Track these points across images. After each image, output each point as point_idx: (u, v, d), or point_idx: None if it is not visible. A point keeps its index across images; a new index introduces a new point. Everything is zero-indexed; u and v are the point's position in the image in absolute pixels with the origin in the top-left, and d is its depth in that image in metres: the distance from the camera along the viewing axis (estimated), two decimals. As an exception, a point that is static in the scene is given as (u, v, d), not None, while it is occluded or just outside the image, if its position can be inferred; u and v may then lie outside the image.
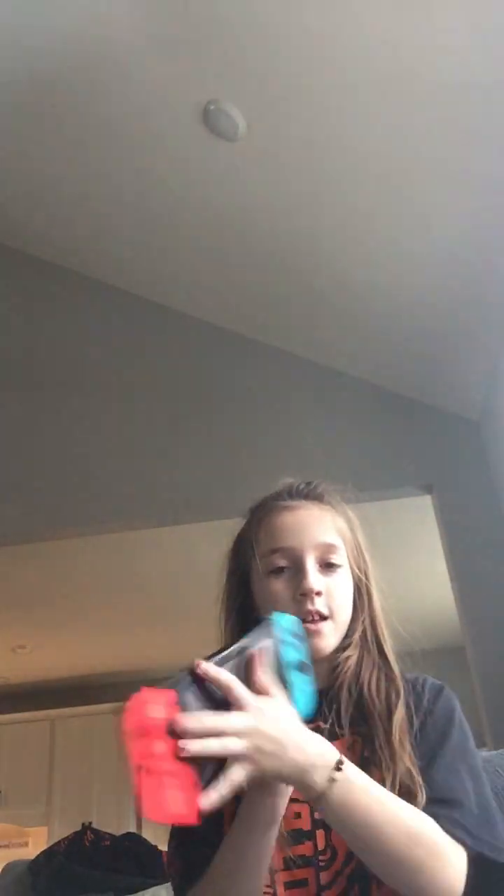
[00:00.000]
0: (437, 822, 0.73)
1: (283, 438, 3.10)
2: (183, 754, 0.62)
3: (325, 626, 0.87)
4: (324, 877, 0.79)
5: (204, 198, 2.74)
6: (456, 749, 0.84)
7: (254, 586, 0.93)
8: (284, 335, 3.22)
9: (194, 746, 0.62)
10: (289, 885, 0.79)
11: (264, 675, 0.70)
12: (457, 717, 0.88)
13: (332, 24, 1.99)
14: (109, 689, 5.57)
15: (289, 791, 0.73)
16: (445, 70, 1.97)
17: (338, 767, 0.68)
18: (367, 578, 0.94)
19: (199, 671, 0.66)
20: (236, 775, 0.65)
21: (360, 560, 0.95)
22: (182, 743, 0.62)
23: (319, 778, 0.68)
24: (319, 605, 0.87)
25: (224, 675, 0.67)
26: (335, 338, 3.10)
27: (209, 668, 0.66)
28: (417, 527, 3.42)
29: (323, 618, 0.87)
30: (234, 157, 2.51)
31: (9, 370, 3.39)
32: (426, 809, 0.75)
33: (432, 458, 3.04)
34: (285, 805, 0.74)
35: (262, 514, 0.96)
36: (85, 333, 3.43)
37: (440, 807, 0.76)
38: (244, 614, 0.94)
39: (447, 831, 0.73)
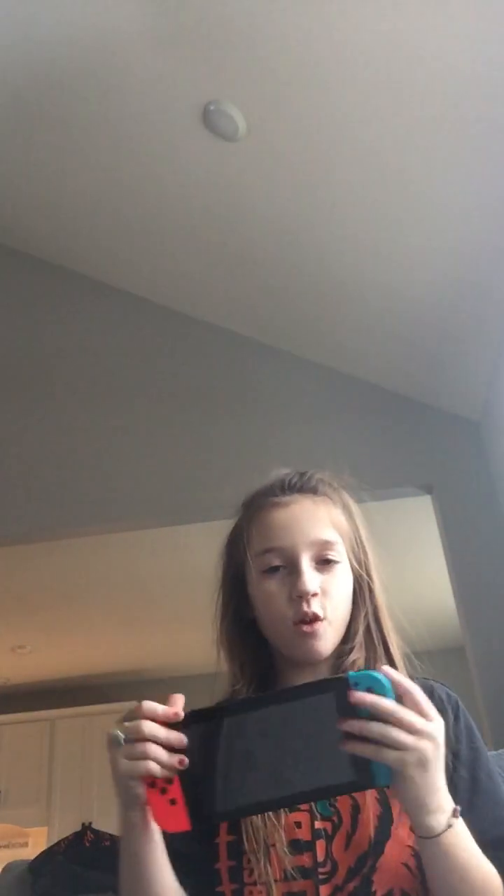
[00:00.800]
0: (500, 867, 0.72)
1: (283, 438, 3.10)
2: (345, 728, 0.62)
3: (321, 627, 0.83)
4: (323, 890, 0.75)
5: (204, 198, 2.74)
6: (489, 771, 0.83)
7: (249, 586, 0.89)
8: (285, 335, 3.22)
9: (358, 725, 0.62)
10: None
11: (427, 702, 0.68)
12: (476, 732, 0.87)
13: (332, 24, 1.99)
14: (109, 689, 5.57)
15: None
16: (446, 69, 1.97)
17: (455, 814, 0.67)
18: (367, 572, 0.90)
19: (382, 670, 0.65)
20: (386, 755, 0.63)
21: (360, 553, 0.90)
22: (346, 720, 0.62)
23: (440, 821, 0.66)
24: (315, 606, 0.83)
25: (406, 680, 0.66)
26: (336, 338, 3.10)
27: (389, 670, 0.65)
28: (417, 527, 3.42)
29: (318, 619, 0.83)
30: (234, 157, 2.51)
31: (9, 370, 3.39)
32: (484, 851, 0.73)
33: (432, 458, 3.04)
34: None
35: (253, 511, 0.91)
36: (84, 334, 3.43)
37: (498, 849, 0.74)
38: (240, 614, 0.91)
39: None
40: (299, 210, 2.60)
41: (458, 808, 0.67)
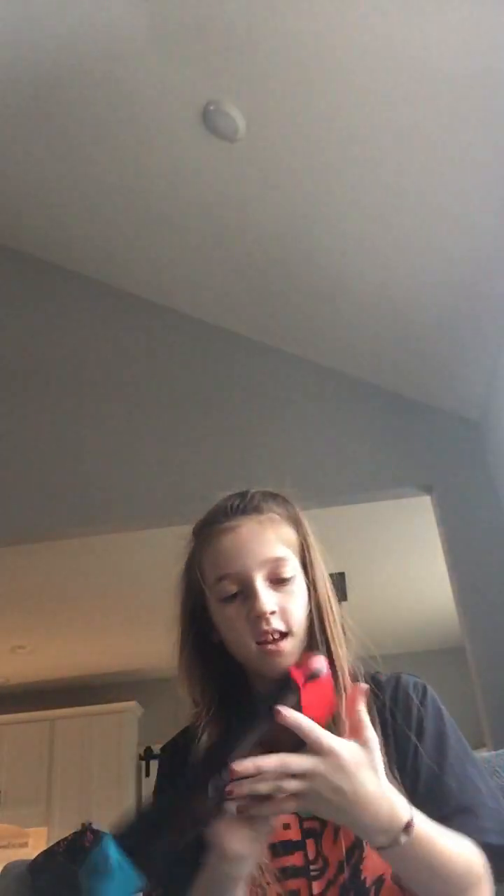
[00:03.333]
0: (467, 835, 0.74)
1: (283, 438, 3.11)
2: (232, 796, 0.64)
3: (285, 644, 0.84)
4: (316, 887, 0.78)
5: (203, 198, 2.74)
6: (457, 749, 0.84)
7: (211, 613, 0.90)
8: (284, 335, 3.22)
9: (241, 789, 0.64)
10: None
11: (363, 713, 0.69)
12: (445, 714, 0.88)
13: (332, 24, 1.99)
14: (109, 689, 5.58)
15: (248, 869, 0.73)
16: (446, 69, 1.97)
17: (406, 830, 0.67)
18: (313, 582, 0.90)
19: (279, 718, 0.66)
20: (286, 805, 0.66)
21: (308, 564, 0.91)
22: (230, 786, 0.64)
23: (384, 840, 0.68)
24: (276, 623, 0.84)
25: (303, 720, 0.66)
26: (335, 338, 3.10)
27: (287, 711, 0.66)
28: (417, 527, 3.42)
29: (283, 635, 0.84)
30: (233, 157, 2.51)
31: (9, 370, 3.39)
32: (452, 820, 0.75)
33: (432, 458, 3.04)
34: (245, 876, 0.73)
35: (201, 540, 0.92)
36: (84, 333, 3.43)
37: (465, 817, 0.78)
38: (202, 640, 0.92)
39: (479, 843, 0.75)
40: (298, 210, 2.60)
41: (412, 821, 0.68)
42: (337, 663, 0.86)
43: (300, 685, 0.66)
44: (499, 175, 2.14)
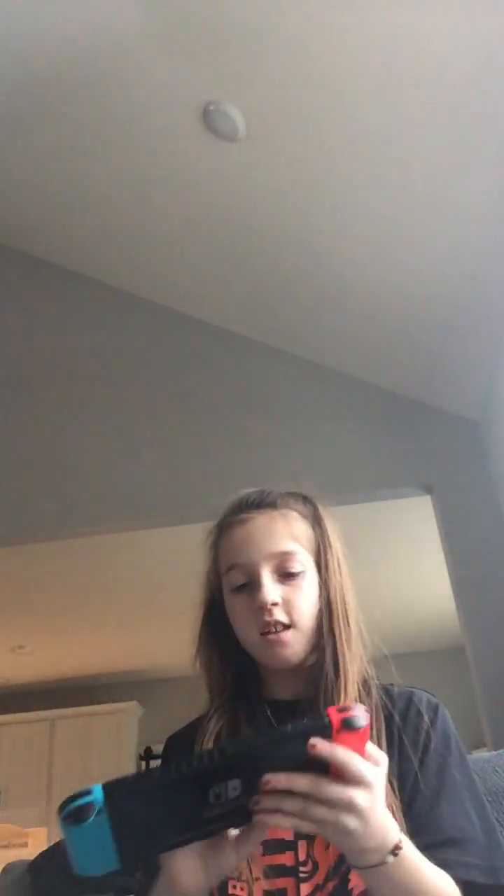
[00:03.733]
0: (451, 868, 0.72)
1: (283, 439, 3.11)
2: (257, 807, 0.61)
3: (286, 636, 0.85)
4: (304, 888, 0.78)
5: (204, 198, 2.74)
6: (458, 778, 0.83)
7: (226, 604, 0.92)
8: (285, 335, 3.22)
9: (269, 803, 0.61)
10: (267, 895, 0.78)
11: (371, 745, 0.66)
12: (453, 737, 0.86)
13: (332, 25, 1.99)
14: (109, 689, 5.58)
15: None
16: (446, 68, 1.97)
17: (394, 852, 0.66)
18: (326, 582, 0.91)
19: (312, 749, 0.61)
20: (290, 824, 0.63)
21: (322, 562, 0.92)
22: (259, 798, 0.60)
23: (370, 859, 0.65)
24: (278, 615, 0.85)
25: (340, 750, 0.62)
26: (335, 338, 3.11)
27: (321, 750, 0.61)
28: (417, 527, 3.42)
29: (285, 626, 0.85)
30: (233, 157, 2.51)
31: (9, 370, 3.39)
32: (438, 851, 0.74)
33: (432, 458, 3.04)
34: None
35: (219, 532, 0.95)
36: (84, 333, 3.43)
37: (452, 850, 0.76)
38: (217, 631, 0.94)
39: (461, 879, 0.73)
40: (299, 210, 2.60)
41: (400, 844, 0.66)
42: (342, 666, 0.87)
43: (334, 729, 0.61)
44: (499, 177, 2.14)
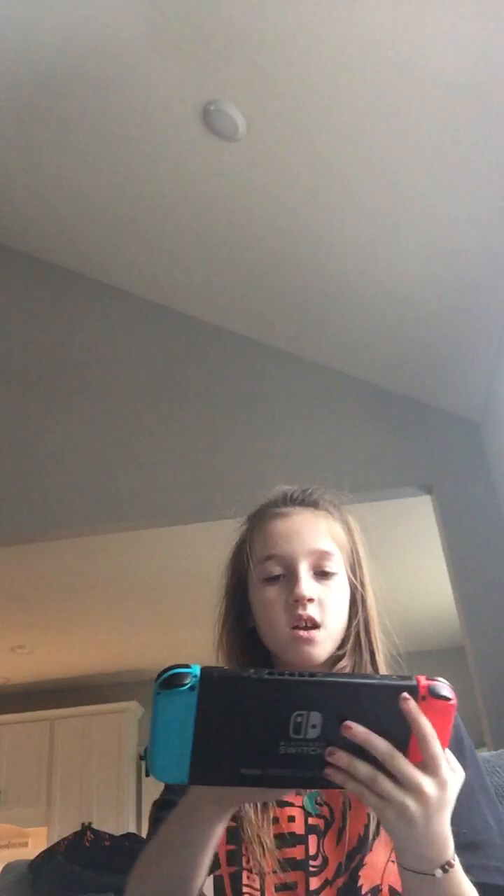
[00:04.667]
0: (468, 873, 0.70)
1: (283, 438, 3.11)
2: (331, 758, 0.60)
3: (316, 634, 0.85)
4: (313, 882, 0.78)
5: (204, 198, 2.74)
6: (472, 780, 0.81)
7: (250, 594, 0.92)
8: (285, 335, 3.22)
9: (341, 760, 0.60)
10: (278, 888, 0.78)
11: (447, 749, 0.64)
12: (465, 739, 0.86)
13: (332, 24, 1.99)
14: (109, 689, 5.58)
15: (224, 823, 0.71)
16: (446, 68, 1.97)
17: (445, 868, 0.65)
18: (362, 586, 0.92)
19: (403, 704, 0.60)
20: (355, 791, 0.62)
21: (357, 567, 0.93)
22: (334, 750, 0.60)
23: (421, 865, 0.64)
24: (312, 611, 0.85)
25: (429, 725, 0.60)
26: (336, 338, 3.11)
27: (412, 705, 0.60)
28: (417, 527, 3.42)
29: (315, 625, 0.86)
30: (234, 157, 2.51)
31: (9, 370, 3.39)
32: (457, 855, 0.73)
33: (432, 458, 3.04)
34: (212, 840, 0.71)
35: (256, 522, 0.95)
36: (84, 333, 3.43)
37: (470, 853, 0.74)
38: (240, 622, 0.94)
39: (481, 882, 0.72)
40: (299, 210, 2.60)
41: (453, 861, 0.65)
42: (379, 671, 0.88)
43: (419, 693, 0.60)
44: (499, 177, 2.14)
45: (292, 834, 0.81)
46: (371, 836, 0.79)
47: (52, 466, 3.18)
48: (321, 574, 0.88)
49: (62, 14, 2.29)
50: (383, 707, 0.60)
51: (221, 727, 0.59)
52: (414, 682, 0.60)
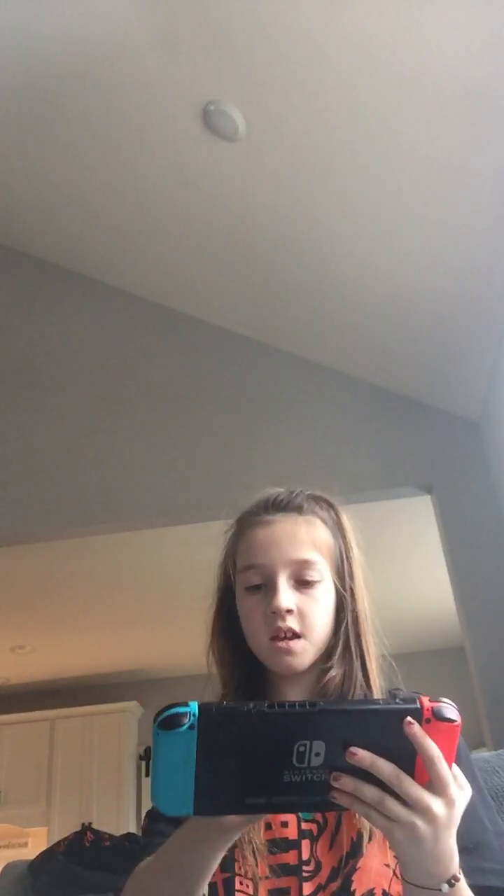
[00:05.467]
0: (466, 876, 0.70)
1: (283, 439, 3.11)
2: (336, 783, 0.59)
3: (296, 645, 0.85)
4: (306, 887, 0.78)
5: (203, 198, 2.74)
6: (470, 783, 0.83)
7: (236, 600, 0.92)
8: (285, 335, 3.22)
9: (347, 784, 0.60)
10: (272, 893, 0.78)
11: (455, 767, 0.62)
12: (463, 749, 0.85)
13: (332, 25, 1.99)
14: (109, 689, 5.58)
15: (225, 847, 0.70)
16: (445, 70, 1.97)
17: (451, 882, 0.64)
18: (351, 592, 0.91)
19: (409, 729, 0.59)
20: (361, 812, 0.61)
21: (345, 571, 0.91)
22: (339, 776, 0.59)
23: (427, 881, 0.64)
24: (290, 622, 0.85)
25: (435, 749, 0.60)
26: (336, 338, 3.11)
27: (416, 730, 0.59)
28: (417, 527, 3.42)
29: (295, 635, 0.85)
30: (233, 157, 2.51)
31: (9, 370, 3.40)
32: None
33: (432, 458, 3.04)
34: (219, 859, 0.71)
35: (240, 528, 0.94)
36: (84, 333, 3.43)
37: (467, 856, 0.73)
38: (230, 627, 0.93)
39: (478, 885, 0.72)
40: (299, 210, 2.60)
41: (458, 876, 0.65)
42: (372, 682, 0.87)
43: (423, 716, 0.60)
44: (499, 178, 2.14)
45: (285, 839, 0.80)
46: (364, 841, 0.79)
47: (51, 466, 3.18)
48: (302, 583, 0.87)
49: (62, 14, 2.29)
50: (387, 731, 0.60)
51: (223, 761, 0.59)
52: (417, 705, 0.60)
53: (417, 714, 0.60)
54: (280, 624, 0.85)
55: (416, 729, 0.59)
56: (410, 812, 0.60)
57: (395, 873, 0.78)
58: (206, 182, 2.66)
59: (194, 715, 0.58)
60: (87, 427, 3.25)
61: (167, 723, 0.58)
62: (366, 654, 0.89)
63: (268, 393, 3.23)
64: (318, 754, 0.59)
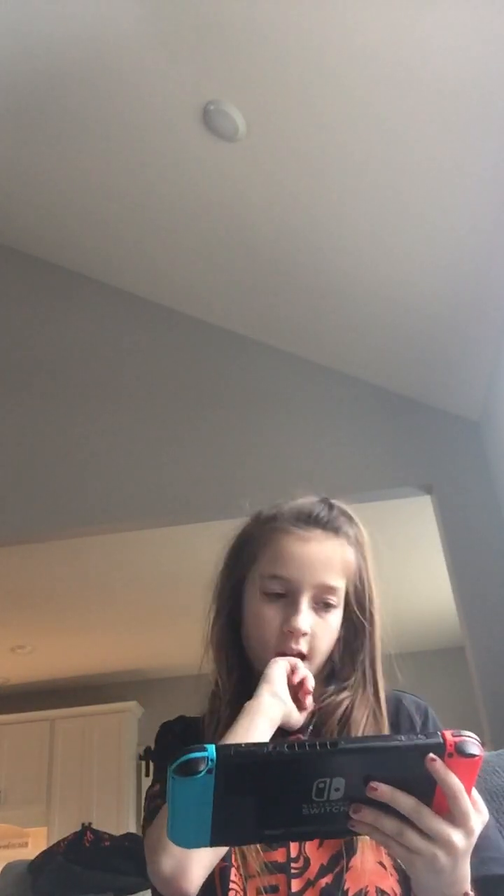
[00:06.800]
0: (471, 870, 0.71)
1: (283, 438, 3.11)
2: (355, 815, 0.59)
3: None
4: (295, 884, 0.79)
5: (203, 198, 2.74)
6: None
7: (245, 594, 0.92)
8: (284, 335, 3.22)
9: (366, 817, 0.59)
10: (261, 890, 0.79)
11: (476, 797, 0.63)
12: None
13: (332, 25, 1.99)
14: (109, 689, 5.58)
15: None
16: (444, 70, 1.97)
17: None
18: (371, 620, 0.91)
19: (431, 766, 0.59)
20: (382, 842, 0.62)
21: (364, 596, 0.92)
22: (358, 808, 0.59)
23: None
24: (303, 644, 0.86)
25: (456, 782, 0.60)
26: (335, 338, 3.11)
27: (439, 766, 0.59)
28: (417, 527, 3.42)
29: (301, 657, 0.86)
30: (233, 157, 2.51)
31: (9, 370, 3.40)
32: None
33: (432, 458, 3.04)
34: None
35: (272, 530, 0.92)
36: (84, 333, 3.43)
37: None
38: (232, 622, 0.93)
39: (479, 876, 0.72)
40: (298, 210, 2.60)
41: (471, 893, 0.65)
42: (382, 706, 0.87)
43: (446, 751, 0.59)
44: (499, 177, 2.14)
45: None
46: (356, 840, 0.79)
47: (52, 466, 3.18)
48: (321, 606, 0.88)
49: (62, 14, 2.29)
50: (408, 765, 0.59)
51: (241, 799, 0.59)
52: (440, 741, 0.59)
53: (440, 750, 0.59)
54: (293, 644, 0.86)
55: (438, 765, 0.59)
56: (430, 844, 0.60)
57: (389, 871, 0.78)
58: (206, 182, 2.66)
59: (212, 760, 0.57)
60: (86, 427, 3.25)
61: (183, 769, 0.57)
62: (378, 682, 0.89)
63: (268, 393, 3.23)
64: (337, 789, 0.59)
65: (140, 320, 3.41)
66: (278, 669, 0.82)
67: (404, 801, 0.59)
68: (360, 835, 0.62)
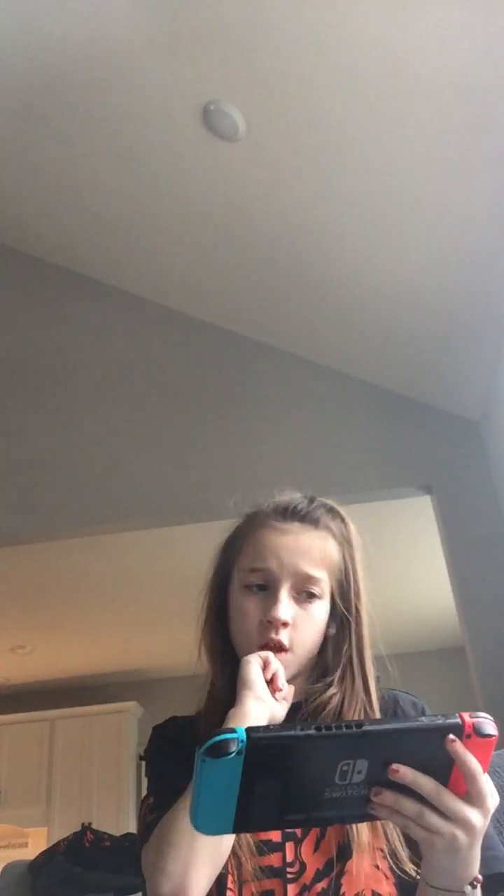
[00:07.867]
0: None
1: (283, 438, 3.11)
2: (376, 798, 0.60)
3: (282, 658, 0.85)
4: (291, 889, 0.78)
5: (204, 198, 2.74)
6: None
7: (230, 594, 0.92)
8: (284, 335, 3.22)
9: (387, 799, 0.60)
10: (257, 895, 0.79)
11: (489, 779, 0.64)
12: None
13: (332, 24, 2.00)
14: (109, 689, 5.58)
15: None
16: (445, 69, 1.97)
17: (473, 884, 0.66)
18: (356, 612, 0.91)
19: (450, 746, 0.60)
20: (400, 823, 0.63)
21: (350, 589, 0.91)
22: (379, 791, 0.60)
23: (452, 884, 0.66)
24: (282, 636, 0.86)
25: (475, 762, 0.61)
26: (335, 338, 3.11)
27: (458, 747, 0.60)
28: (417, 527, 3.42)
29: (282, 648, 0.86)
30: (233, 157, 2.51)
31: (9, 370, 3.40)
32: None
33: (432, 458, 3.04)
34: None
35: (253, 526, 0.93)
36: (85, 334, 3.43)
37: None
38: (221, 618, 0.93)
39: (485, 874, 0.72)
40: (298, 210, 2.60)
41: (479, 878, 0.66)
42: (373, 701, 0.87)
43: (464, 732, 0.60)
44: (498, 177, 2.14)
45: (269, 842, 0.81)
46: (353, 843, 0.79)
47: (51, 466, 3.18)
48: (303, 596, 0.88)
49: (62, 14, 2.29)
50: (427, 746, 0.60)
51: (267, 782, 0.59)
52: (459, 721, 0.61)
53: (459, 730, 0.60)
54: (273, 635, 0.85)
55: (458, 746, 0.60)
56: (450, 823, 0.61)
57: (385, 874, 0.78)
58: (206, 182, 2.66)
59: (242, 741, 0.57)
60: (87, 427, 3.25)
61: (214, 750, 0.57)
62: (367, 674, 0.89)
63: (268, 392, 3.23)
64: (360, 772, 0.60)
65: (139, 320, 3.41)
66: (254, 669, 0.81)
67: (425, 783, 0.60)
68: (378, 819, 0.63)
